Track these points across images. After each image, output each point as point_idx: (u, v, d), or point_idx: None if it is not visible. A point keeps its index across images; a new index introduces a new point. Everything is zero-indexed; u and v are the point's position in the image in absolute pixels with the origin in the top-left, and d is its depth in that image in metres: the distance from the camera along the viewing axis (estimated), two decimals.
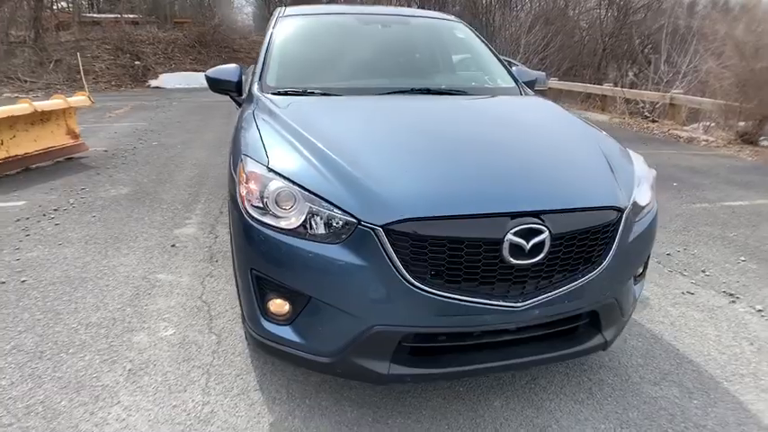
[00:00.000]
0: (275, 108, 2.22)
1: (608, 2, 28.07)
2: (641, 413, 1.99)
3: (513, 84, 2.96)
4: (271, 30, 2.96)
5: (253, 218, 1.69)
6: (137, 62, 21.13)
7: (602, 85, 13.34)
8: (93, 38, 21.80)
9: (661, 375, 2.23)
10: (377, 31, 3.06)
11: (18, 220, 4.00)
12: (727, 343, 2.50)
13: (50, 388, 2.08)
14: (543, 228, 1.59)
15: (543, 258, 1.62)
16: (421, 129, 2.13)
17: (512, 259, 1.58)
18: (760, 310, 2.85)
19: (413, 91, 2.54)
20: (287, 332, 1.72)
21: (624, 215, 1.78)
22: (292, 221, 1.63)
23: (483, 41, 3.22)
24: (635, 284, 2.09)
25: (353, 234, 1.55)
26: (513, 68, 3.25)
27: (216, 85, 2.75)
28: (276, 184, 1.67)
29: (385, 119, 2.25)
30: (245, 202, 1.73)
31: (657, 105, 10.53)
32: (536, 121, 2.43)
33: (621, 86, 12.58)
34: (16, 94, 13.87)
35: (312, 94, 2.46)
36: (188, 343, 2.40)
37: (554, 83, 14.78)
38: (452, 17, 3.49)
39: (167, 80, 20.28)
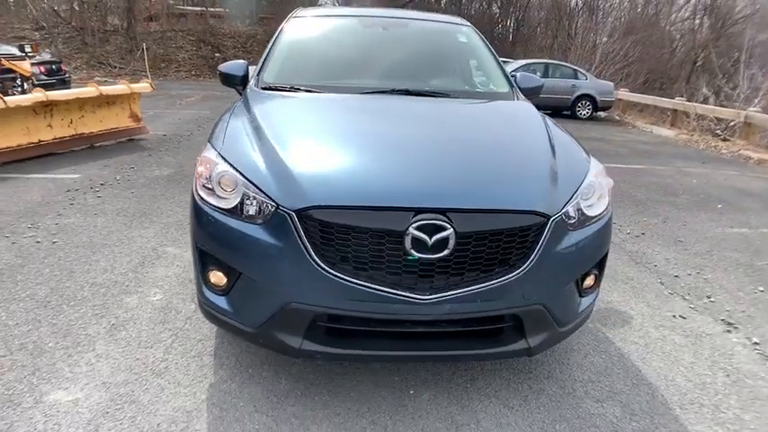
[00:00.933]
0: (253, 102, 2.41)
1: (705, 11, 26.21)
2: (570, 427, 1.96)
3: (508, 89, 2.95)
4: (280, 28, 3.16)
5: (201, 197, 1.88)
6: (217, 54, 22.56)
7: (674, 98, 12.51)
8: (178, 29, 23.51)
9: (609, 394, 2.17)
10: (378, 33, 3.17)
11: (68, 190, 4.53)
12: (699, 371, 2.37)
13: (44, 331, 2.40)
14: (447, 225, 1.64)
15: (449, 255, 1.67)
16: (374, 127, 2.23)
17: (415, 253, 1.65)
18: (756, 343, 2.65)
19: (393, 91, 2.62)
20: (223, 302, 1.89)
21: (551, 222, 1.77)
22: (230, 202, 1.80)
23: (487, 46, 3.23)
24: (583, 296, 2.06)
25: (273, 217, 1.70)
26: (518, 74, 3.23)
27: (225, 78, 2.98)
28: (220, 168, 1.85)
29: (345, 116, 2.37)
30: (197, 183, 1.92)
31: (732, 123, 9.75)
32: (498, 125, 2.44)
33: (696, 101, 11.75)
34: (106, 78, 15.34)
35: (298, 90, 2.62)
36: (169, 308, 2.65)
37: (624, 94, 14.05)
38: (461, 21, 3.51)
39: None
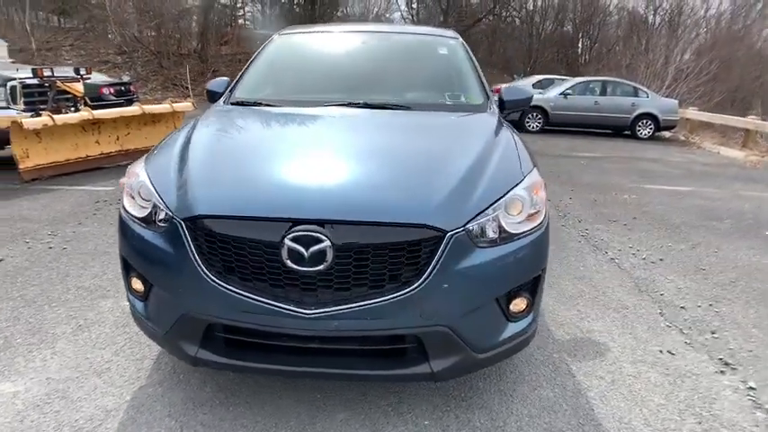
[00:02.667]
0: (205, 117, 2.51)
1: None
2: None
3: (481, 101, 2.85)
4: (262, 46, 3.29)
5: (124, 207, 1.98)
6: None
7: (746, 117, 11.44)
8: (250, 51, 25.02)
9: None
10: (356, 48, 3.19)
11: (97, 201, 4.92)
12: (666, 416, 2.10)
13: (19, 328, 2.59)
14: (323, 237, 1.60)
15: (329, 268, 1.62)
16: (299, 140, 2.27)
17: (293, 265, 1.61)
18: (751, 388, 2.32)
19: (351, 105, 2.62)
20: (141, 307, 1.96)
21: (450, 237, 1.67)
22: (144, 211, 1.88)
23: (470, 59, 3.14)
24: (512, 321, 1.91)
25: (169, 226, 1.74)
26: (504, 87, 3.12)
27: (210, 95, 3.14)
28: (140, 179, 1.94)
29: (277, 130, 2.42)
30: (124, 193, 2.02)
31: None
32: (437, 137, 2.35)
33: None
34: (177, 99, 16.57)
35: (259, 105, 2.70)
36: (107, 341, 2.53)
37: (691, 113, 13.07)
38: (451, 34, 3.46)
39: None
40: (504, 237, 1.81)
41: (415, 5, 36.99)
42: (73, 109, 6.32)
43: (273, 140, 2.30)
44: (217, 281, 1.68)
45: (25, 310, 2.78)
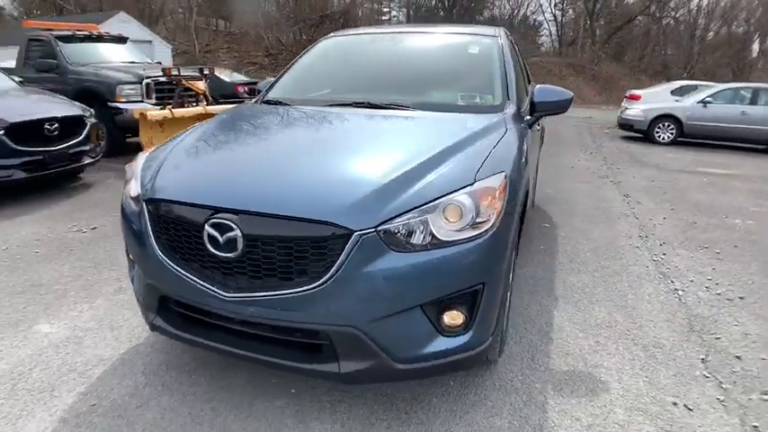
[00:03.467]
0: (225, 113, 2.75)
1: None
2: None
3: (499, 102, 2.68)
4: (305, 50, 3.46)
5: (124, 191, 2.28)
6: None
7: None
8: None
9: None
10: (387, 49, 3.20)
11: None
12: None
13: (77, 284, 3.12)
14: (233, 226, 1.67)
15: (241, 256, 1.69)
16: (268, 136, 2.42)
17: (212, 249, 1.72)
18: None
19: (355, 104, 2.65)
20: (131, 276, 2.25)
21: (359, 237, 1.63)
22: (134, 193, 2.14)
23: (501, 58, 2.95)
24: (446, 335, 1.80)
25: (139, 207, 1.98)
26: (536, 88, 2.88)
27: (253, 94, 3.42)
28: (136, 164, 2.22)
29: (261, 126, 2.55)
30: (125, 176, 2.33)
31: None
32: (407, 137, 2.29)
33: None
34: None
35: (278, 103, 2.87)
36: (133, 303, 2.76)
37: None
38: (491, 32, 3.26)
39: None
40: (435, 243, 1.71)
41: (560, 6, 35.09)
42: (195, 104, 7.25)
43: (246, 135, 2.45)
44: (165, 258, 1.87)
45: (89, 270, 3.32)
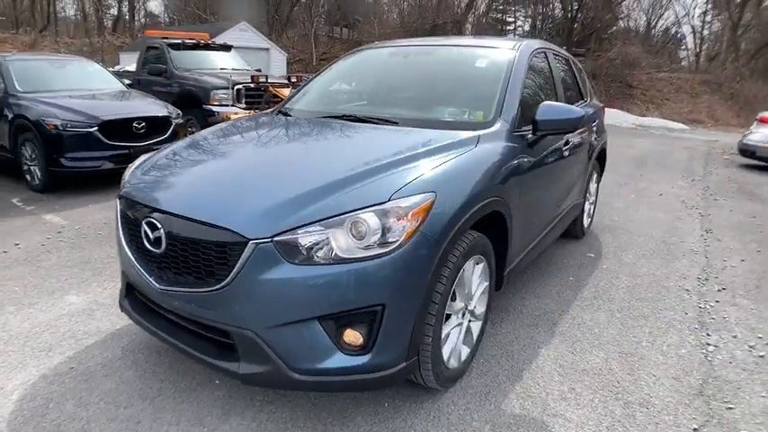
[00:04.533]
0: (232, 121, 3.00)
1: None
2: None
3: (490, 119, 2.59)
4: (335, 61, 3.60)
5: None
6: None
7: None
8: None
9: None
10: (395, 63, 3.21)
11: None
12: None
13: (114, 265, 3.57)
14: (158, 225, 1.87)
15: (165, 252, 1.88)
16: (239, 143, 2.58)
17: (146, 243, 1.94)
18: None
19: (343, 117, 2.72)
20: None
21: (254, 245, 1.72)
22: None
23: (510, 72, 2.81)
24: (345, 353, 1.82)
25: (116, 201, 2.29)
26: (542, 105, 2.70)
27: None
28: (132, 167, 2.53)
29: (241, 133, 2.72)
30: None
31: None
32: (354, 153, 2.30)
33: None
34: None
35: (286, 114, 3.04)
36: None
37: None
38: (509, 44, 3.10)
39: None
40: (334, 258, 1.74)
41: (701, 17, 31.62)
42: None
43: (220, 144, 2.61)
44: (126, 249, 2.14)
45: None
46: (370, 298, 1.78)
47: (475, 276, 2.39)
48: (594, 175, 4.62)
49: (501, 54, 3.02)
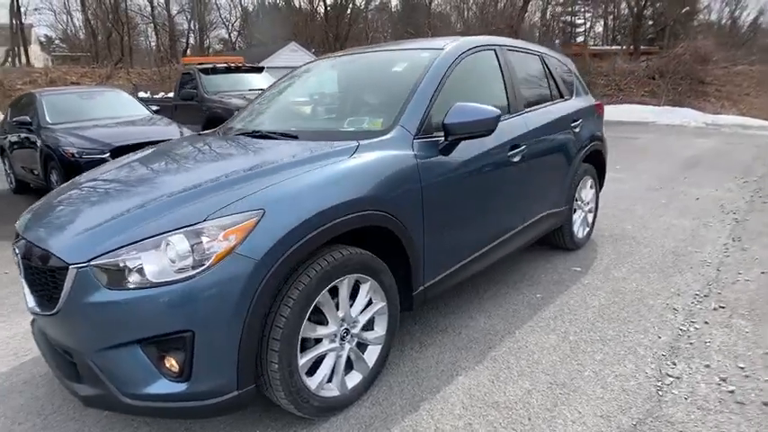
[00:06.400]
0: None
1: None
2: None
3: (387, 127, 2.42)
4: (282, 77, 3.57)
5: None
6: None
7: None
8: (583, 69, 24.06)
9: None
10: (333, 73, 3.14)
11: None
12: None
13: None
14: (17, 249, 1.98)
15: (24, 276, 2.00)
16: (135, 170, 2.50)
17: (18, 265, 2.03)
18: None
19: (252, 134, 2.68)
20: None
21: (73, 270, 1.72)
22: None
23: (427, 73, 2.61)
24: (167, 378, 1.75)
25: None
26: (453, 107, 2.47)
27: None
28: None
29: (153, 158, 2.68)
30: None
31: None
32: (213, 170, 2.22)
33: None
34: None
35: (219, 133, 3.04)
36: None
37: None
38: (437, 44, 2.87)
39: (606, 112, 19.79)
40: (144, 282, 1.68)
41: None
42: None
43: (124, 166, 2.61)
44: None
45: None
46: (176, 324, 1.70)
47: (360, 297, 2.21)
48: (589, 181, 4.18)
49: (420, 57, 2.82)
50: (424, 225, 2.41)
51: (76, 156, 5.63)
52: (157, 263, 1.69)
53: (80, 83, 20.23)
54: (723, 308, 3.11)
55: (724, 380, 2.37)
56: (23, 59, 27.70)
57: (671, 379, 2.39)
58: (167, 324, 1.70)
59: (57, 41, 41.84)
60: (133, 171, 2.47)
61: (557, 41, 28.19)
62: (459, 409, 2.21)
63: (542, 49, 3.87)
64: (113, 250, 1.70)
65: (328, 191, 2.00)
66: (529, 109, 3.31)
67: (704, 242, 4.31)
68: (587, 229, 4.31)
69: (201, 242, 1.72)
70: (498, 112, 2.48)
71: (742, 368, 2.47)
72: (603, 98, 20.87)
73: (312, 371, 2.08)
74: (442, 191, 2.49)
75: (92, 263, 1.70)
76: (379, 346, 2.34)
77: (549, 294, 3.36)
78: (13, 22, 27.54)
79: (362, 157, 2.19)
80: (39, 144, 6.13)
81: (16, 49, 28.08)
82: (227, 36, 39.24)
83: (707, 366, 2.49)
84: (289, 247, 1.82)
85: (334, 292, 2.09)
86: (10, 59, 27.98)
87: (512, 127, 3.06)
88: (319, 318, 2.08)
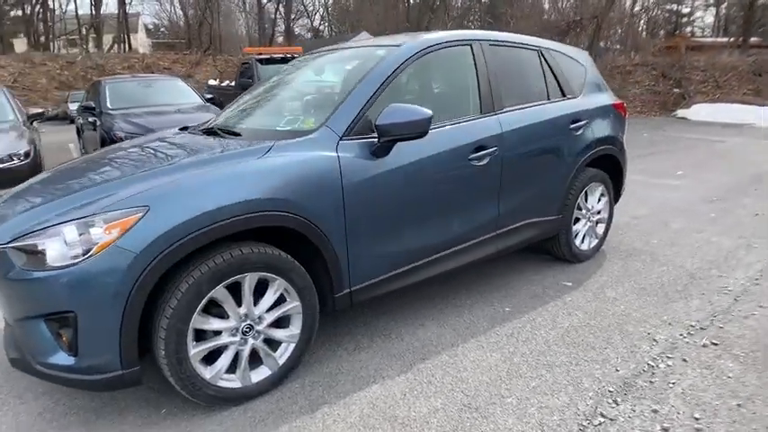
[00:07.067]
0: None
1: None
2: None
3: (315, 127, 2.40)
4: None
5: None
6: (675, 89, 20.11)
7: None
8: (645, 63, 22.11)
9: None
10: (300, 71, 3.15)
11: None
12: None
13: None
14: None
15: None
16: (81, 161, 2.70)
17: None
18: None
19: (206, 132, 2.80)
20: None
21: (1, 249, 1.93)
22: None
23: (379, 70, 2.53)
24: (63, 351, 1.94)
25: None
26: (388, 107, 2.37)
27: None
28: None
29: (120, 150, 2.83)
30: None
31: None
32: (149, 166, 2.29)
33: None
34: None
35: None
36: None
37: None
38: (395, 41, 2.74)
39: (698, 111, 18.11)
40: (42, 265, 1.88)
41: None
42: None
43: (103, 153, 2.82)
44: None
45: None
46: (63, 304, 1.86)
47: (268, 295, 2.22)
48: (599, 189, 3.80)
49: (374, 55, 2.73)
50: (346, 228, 2.35)
51: (124, 140, 6.14)
52: (55, 249, 1.86)
53: (171, 69, 21.95)
54: (715, 345, 2.71)
55: (665, 430, 2.07)
56: (126, 46, 30.68)
57: (601, 419, 2.13)
58: (57, 304, 1.89)
59: (162, 29, 45.72)
60: (77, 164, 2.71)
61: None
62: (355, 418, 2.14)
63: (544, 44, 3.56)
64: (24, 235, 1.91)
65: (219, 191, 2.04)
66: (509, 108, 3.07)
67: (736, 266, 3.76)
68: (595, 241, 3.94)
69: (89, 233, 1.87)
70: (430, 113, 2.34)
71: (697, 419, 2.13)
72: (697, 96, 18.77)
73: (213, 361, 2.14)
74: (372, 195, 2.41)
75: (9, 244, 1.92)
76: (293, 345, 2.33)
77: (519, 309, 3.12)
78: (120, 11, 30.49)
79: (272, 158, 2.19)
80: (99, 127, 6.77)
81: (122, 35, 31.15)
82: (313, 24, 40.45)
83: (654, 412, 2.18)
84: (171, 243, 1.90)
85: (236, 288, 2.12)
86: (116, 46, 31.08)
87: (478, 128, 2.86)
88: (220, 311, 2.12)
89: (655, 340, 2.76)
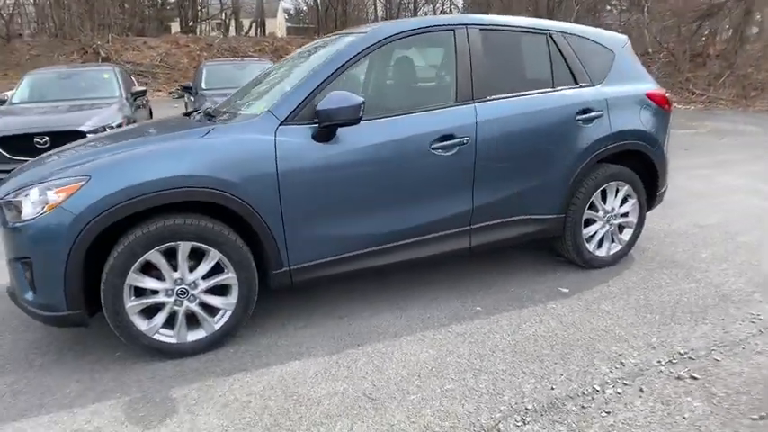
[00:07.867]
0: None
1: None
2: None
3: (260, 113, 2.57)
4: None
5: None
6: None
7: None
8: None
9: None
10: (296, 58, 3.27)
11: None
12: None
13: None
14: None
15: None
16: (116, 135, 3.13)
17: None
18: None
19: (199, 113, 3.08)
20: None
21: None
22: None
23: (310, 62, 2.59)
24: (32, 289, 2.37)
25: None
26: (329, 95, 2.41)
27: None
28: None
29: (138, 126, 3.27)
30: None
31: None
32: (118, 142, 2.66)
33: None
34: (681, 105, 14.91)
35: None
36: None
37: None
38: (366, 29, 2.69)
39: None
40: (18, 219, 2.32)
41: None
42: None
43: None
44: None
45: None
46: (24, 251, 2.29)
47: (203, 264, 2.43)
48: (623, 189, 3.37)
49: (341, 42, 2.76)
50: (282, 209, 2.45)
51: None
52: (26, 206, 2.29)
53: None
54: (694, 379, 2.31)
55: None
56: (262, 30, 33.41)
57: None
58: (22, 250, 2.32)
59: (302, 14, 48.72)
60: (82, 142, 3.14)
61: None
62: (259, 388, 2.27)
63: (557, 27, 3.21)
64: (10, 194, 2.37)
65: (154, 166, 2.29)
66: (493, 97, 2.87)
67: None
68: (618, 247, 3.51)
69: (46, 196, 2.26)
70: (361, 100, 2.33)
71: None
72: None
73: (151, 316, 2.44)
74: (312, 178, 2.48)
75: (2, 200, 2.39)
76: (229, 312, 2.54)
77: (490, 310, 2.96)
78: None
79: (209, 138, 2.39)
80: (193, 105, 7.64)
81: (258, 19, 33.99)
82: (442, 9, 39.92)
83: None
84: (107, 207, 2.21)
85: (172, 254, 2.38)
86: (254, 29, 34.02)
87: (446, 117, 2.74)
88: (158, 274, 2.39)
89: (621, 363, 2.44)
